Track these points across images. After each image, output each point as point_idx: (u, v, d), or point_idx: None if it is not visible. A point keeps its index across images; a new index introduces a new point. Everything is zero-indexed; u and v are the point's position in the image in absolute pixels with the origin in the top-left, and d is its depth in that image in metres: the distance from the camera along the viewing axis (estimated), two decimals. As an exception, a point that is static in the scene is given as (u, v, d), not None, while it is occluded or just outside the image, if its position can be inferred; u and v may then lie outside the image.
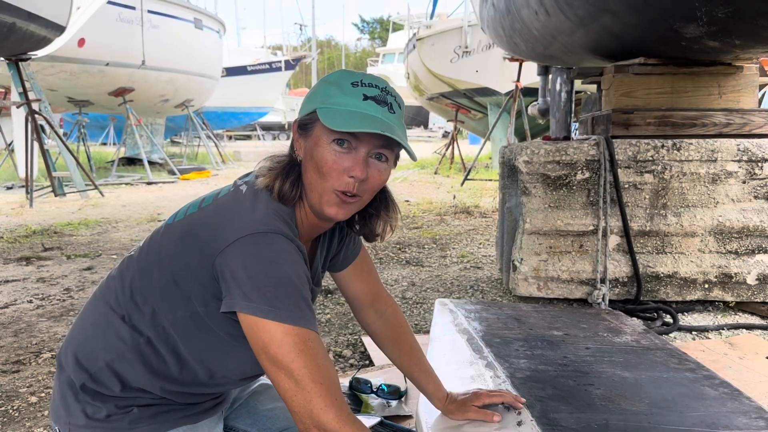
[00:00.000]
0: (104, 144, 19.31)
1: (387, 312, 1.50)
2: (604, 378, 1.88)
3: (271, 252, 1.06)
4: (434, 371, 1.52)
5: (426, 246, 4.92)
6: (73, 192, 8.54)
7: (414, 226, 5.82)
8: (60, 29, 7.18)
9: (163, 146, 15.87)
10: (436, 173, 11.79)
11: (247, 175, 1.24)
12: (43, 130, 8.07)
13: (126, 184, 10.64)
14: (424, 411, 1.59)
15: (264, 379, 1.53)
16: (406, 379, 1.65)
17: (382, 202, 1.27)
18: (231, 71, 21.51)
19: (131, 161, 13.75)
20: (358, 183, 1.10)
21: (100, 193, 8.52)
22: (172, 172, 12.00)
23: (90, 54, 10.71)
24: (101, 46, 10.86)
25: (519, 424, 1.55)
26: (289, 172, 1.16)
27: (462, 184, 9.40)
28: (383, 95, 1.11)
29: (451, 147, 13.03)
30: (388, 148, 1.12)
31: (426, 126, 38.99)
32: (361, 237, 1.36)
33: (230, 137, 29.96)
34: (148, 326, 1.17)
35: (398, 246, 4.88)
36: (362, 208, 1.19)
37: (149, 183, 10.63)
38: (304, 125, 1.14)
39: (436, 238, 5.25)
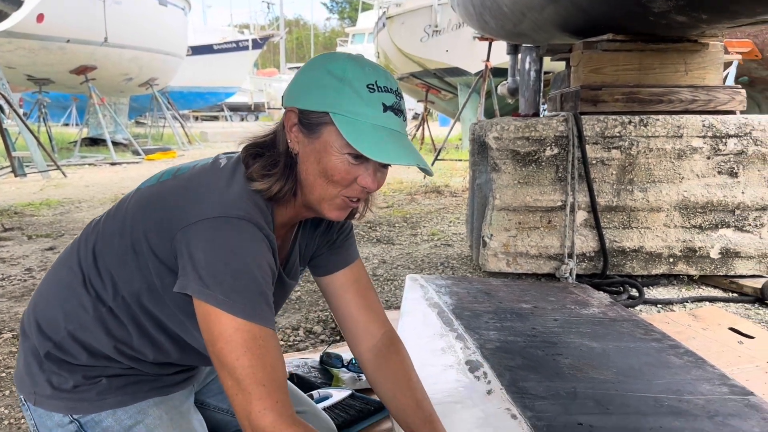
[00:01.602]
0: (66, 125, 18.83)
1: (383, 338, 1.29)
2: (572, 348, 1.90)
3: (235, 240, 1.00)
4: (437, 419, 1.22)
5: (397, 225, 4.91)
6: (34, 172, 8.32)
7: (385, 205, 5.81)
8: (17, 3, 6.93)
9: (127, 126, 15.55)
10: (406, 154, 11.76)
11: (232, 153, 1.17)
12: (2, 110, 7.82)
13: (89, 164, 10.40)
14: None
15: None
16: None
17: None
18: (197, 50, 21.11)
19: (95, 141, 13.43)
20: (366, 192, 1.08)
21: (63, 173, 8.31)
22: (136, 153, 11.77)
23: (50, 30, 10.38)
24: (61, 21, 10.53)
25: (488, 393, 1.57)
26: (288, 176, 1.08)
27: (432, 164, 9.40)
28: (398, 102, 1.06)
29: (421, 128, 13.02)
30: None
31: (396, 107, 38.78)
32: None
33: (197, 118, 29.48)
34: (110, 295, 1.13)
35: (369, 225, 4.87)
36: None
37: (113, 163, 10.41)
38: (310, 124, 1.05)
39: (406, 216, 5.25)
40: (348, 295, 1.30)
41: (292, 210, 1.13)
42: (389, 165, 1.11)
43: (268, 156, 1.09)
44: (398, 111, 1.05)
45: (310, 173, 1.07)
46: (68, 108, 17.89)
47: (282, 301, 1.29)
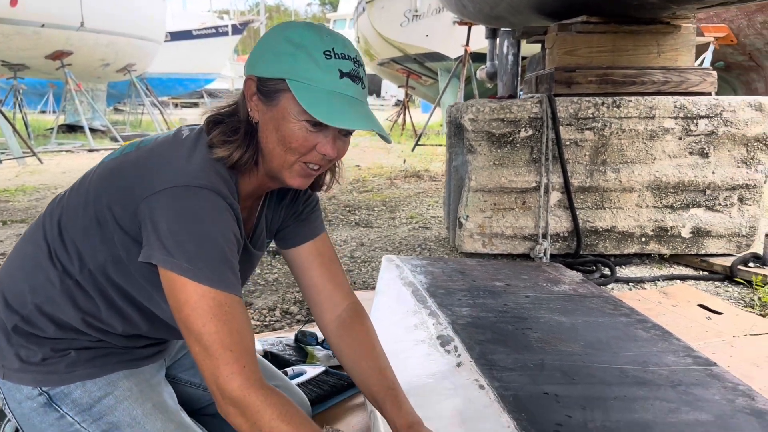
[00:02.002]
0: (43, 112, 18.53)
1: (348, 308, 1.30)
2: (542, 323, 1.94)
3: (198, 208, 1.01)
4: (399, 388, 1.22)
5: (376, 208, 4.93)
6: (10, 159, 8.19)
7: (364, 190, 5.82)
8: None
9: (105, 113, 15.34)
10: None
11: (195, 125, 1.18)
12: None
13: (66, 151, 10.26)
14: None
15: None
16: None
17: None
18: (175, 36, 20.84)
19: (72, 128, 13.24)
20: (327, 159, 1.08)
21: (39, 160, 8.20)
22: (114, 140, 11.63)
23: (24, 14, 10.18)
24: (36, 6, 10.34)
25: (458, 365, 1.60)
26: (249, 144, 1.09)
27: (413, 149, 9.43)
28: (356, 69, 1.06)
29: (402, 113, 13.01)
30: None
31: (378, 94, 38.74)
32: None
33: (176, 104, 29.11)
34: (76, 268, 1.13)
35: (348, 209, 4.88)
36: None
37: (91, 150, 10.28)
38: (268, 92, 1.05)
39: (385, 200, 5.27)
40: (313, 267, 1.31)
41: (255, 179, 1.14)
42: (350, 133, 1.12)
43: (228, 123, 1.10)
44: (356, 78, 1.06)
45: (270, 141, 1.08)
46: (45, 95, 17.60)
47: (248, 272, 1.30)
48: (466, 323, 1.90)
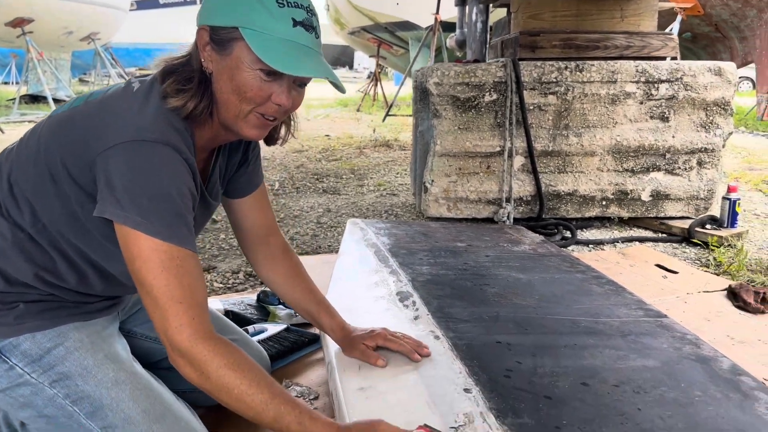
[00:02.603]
0: (6, 83, 17.98)
1: (279, 247, 1.44)
2: (500, 279, 1.97)
3: (152, 163, 1.01)
4: (328, 302, 1.45)
5: (344, 176, 4.92)
6: (-31, 129, 7.98)
7: (333, 159, 5.80)
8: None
9: (69, 83, 14.95)
10: (358, 110, 11.70)
11: (144, 77, 1.16)
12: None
13: (29, 122, 9.99)
14: None
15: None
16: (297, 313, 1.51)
17: None
18: (142, 5, 20.29)
19: (35, 99, 12.88)
20: (282, 109, 1.08)
21: (1, 130, 7.99)
22: (80, 110, 11.32)
23: (-19, -21, 9.83)
24: (-6, -29, 9.98)
25: (415, 318, 1.62)
26: (203, 93, 1.08)
27: (383, 119, 9.39)
28: (309, 18, 1.06)
29: (374, 84, 12.92)
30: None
31: (351, 66, 38.36)
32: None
33: (143, 76, 28.50)
34: (28, 223, 1.12)
35: (316, 176, 4.86)
36: None
37: (55, 121, 10.01)
38: (221, 41, 1.05)
39: (354, 169, 5.26)
40: (253, 214, 1.39)
41: (210, 131, 1.14)
42: (305, 84, 1.12)
43: (182, 72, 1.09)
44: (309, 27, 1.06)
45: (225, 91, 1.07)
46: (7, 65, 17.06)
47: (205, 221, 1.31)
48: (426, 280, 1.92)
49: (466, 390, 1.22)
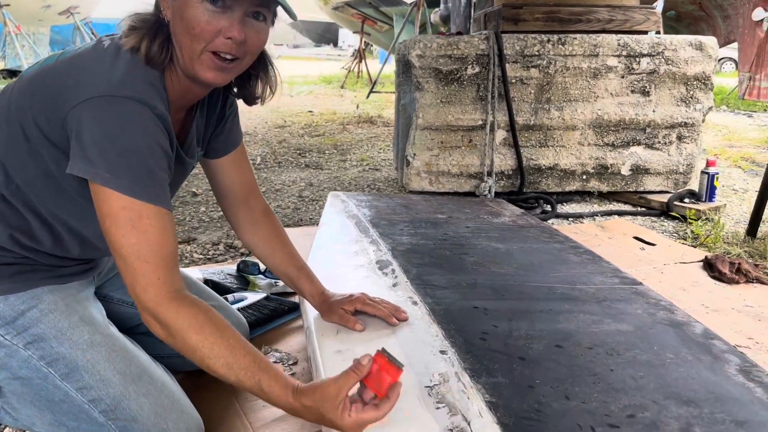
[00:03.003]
0: (-18, 57, 17.62)
1: (259, 209, 1.44)
2: (479, 249, 1.99)
3: (123, 119, 1.00)
4: (308, 267, 1.44)
5: (327, 151, 4.90)
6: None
7: (316, 134, 5.77)
8: None
9: (48, 58, 14.66)
10: (342, 87, 11.63)
11: (114, 34, 1.16)
12: None
13: (7, 96, 9.81)
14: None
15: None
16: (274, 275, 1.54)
17: (260, 63, 1.23)
18: (122, -22, 19.90)
19: (13, 74, 12.61)
20: (236, 45, 1.05)
21: (-23, 104, 7.84)
22: (59, 85, 11.15)
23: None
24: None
25: (394, 285, 1.63)
26: (156, 33, 1.07)
27: (367, 96, 9.34)
28: None
29: (358, 61, 12.81)
30: (266, 6, 1.07)
31: (336, 44, 37.99)
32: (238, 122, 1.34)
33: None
34: (2, 184, 1.11)
35: (298, 151, 4.84)
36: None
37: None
38: None
39: (337, 144, 5.24)
40: (233, 174, 1.38)
41: (179, 85, 1.12)
42: (262, 16, 1.08)
43: (138, 15, 1.09)
44: None
45: (178, 33, 1.06)
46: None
47: (181, 180, 1.31)
48: (405, 250, 1.93)
49: (442, 352, 1.24)
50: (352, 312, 1.36)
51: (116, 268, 1.45)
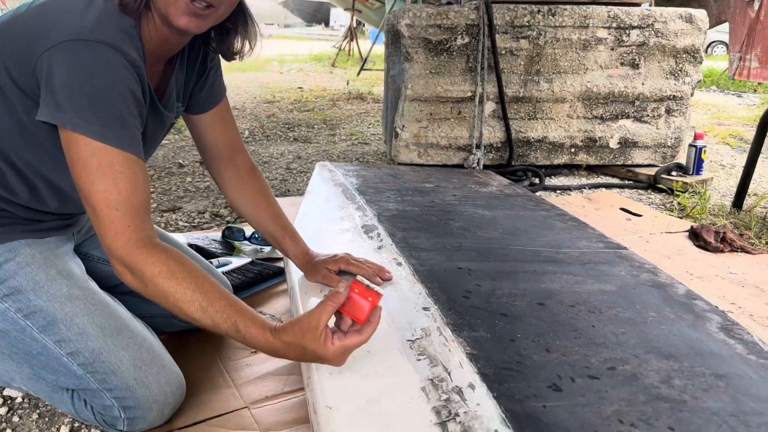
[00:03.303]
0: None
1: (245, 166, 1.42)
2: (465, 215, 1.98)
3: (94, 64, 0.97)
4: (294, 228, 1.44)
5: (316, 126, 4.87)
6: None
7: (305, 110, 5.72)
8: None
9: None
10: (333, 65, 11.53)
11: None
12: None
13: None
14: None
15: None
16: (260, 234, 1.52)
17: (239, 17, 1.20)
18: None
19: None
20: None
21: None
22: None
23: None
24: None
25: (379, 248, 1.62)
26: None
27: (358, 73, 9.27)
28: None
29: (349, 39, 12.70)
30: None
31: (327, 24, 37.65)
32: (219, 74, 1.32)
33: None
34: None
35: (287, 125, 4.80)
36: (218, 24, 1.13)
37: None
38: None
39: (326, 119, 5.20)
40: (216, 130, 1.36)
41: (156, 33, 1.10)
42: None
43: None
44: None
45: None
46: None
47: (159, 135, 1.28)
48: (391, 215, 1.92)
49: (425, 308, 1.23)
50: (336, 271, 1.36)
51: (97, 226, 1.44)
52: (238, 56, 1.25)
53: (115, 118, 0.99)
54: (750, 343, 1.22)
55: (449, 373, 0.99)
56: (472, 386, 0.96)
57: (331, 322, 0.98)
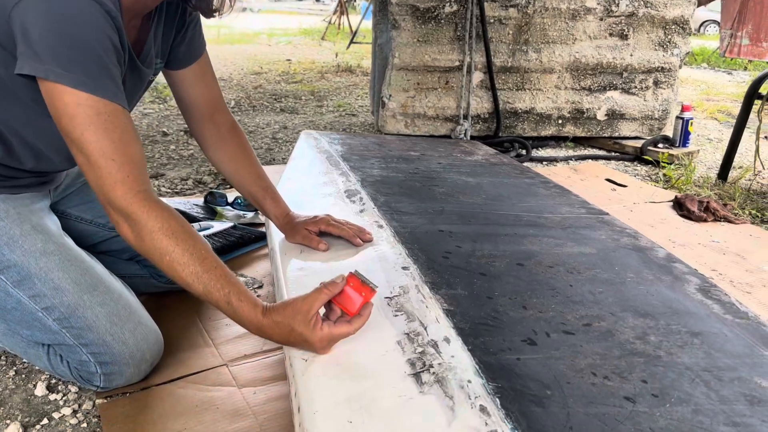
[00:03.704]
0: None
1: (226, 125, 1.39)
2: (449, 182, 1.97)
3: (71, 12, 0.95)
4: (275, 188, 1.42)
5: (303, 98, 4.83)
6: None
7: (293, 81, 5.67)
8: None
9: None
10: (323, 39, 11.41)
11: None
12: None
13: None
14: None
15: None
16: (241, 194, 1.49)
17: None
18: None
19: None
20: None
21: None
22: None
23: None
24: None
25: (361, 211, 1.61)
26: None
27: (348, 47, 9.18)
28: None
29: (339, 13, 12.55)
30: None
31: (317, -2, 37.14)
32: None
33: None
34: None
35: (274, 97, 4.76)
36: None
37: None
38: None
39: (314, 91, 5.15)
40: (197, 87, 1.33)
41: None
42: None
43: None
44: None
45: None
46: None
47: (138, 91, 1.25)
48: (375, 181, 1.91)
49: (404, 268, 1.23)
50: (316, 232, 1.35)
51: (74, 185, 1.42)
52: (217, 13, 1.22)
53: (98, 67, 0.96)
54: (727, 304, 1.23)
55: (425, 328, 0.99)
56: (447, 340, 0.96)
57: (322, 312, 0.97)
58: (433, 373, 0.87)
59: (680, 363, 0.97)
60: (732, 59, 8.44)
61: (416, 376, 0.87)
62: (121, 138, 0.97)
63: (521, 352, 0.95)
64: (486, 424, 0.77)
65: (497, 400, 0.82)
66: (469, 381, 0.85)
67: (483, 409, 0.80)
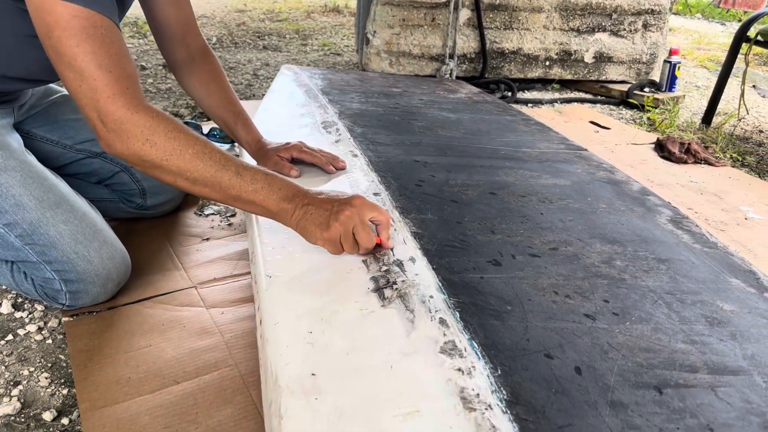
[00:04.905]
0: None
1: (198, 48, 1.36)
2: (429, 117, 1.95)
3: None
4: (247, 114, 1.40)
5: (287, 36, 4.71)
6: None
7: (277, 20, 5.52)
8: None
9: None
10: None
11: None
12: None
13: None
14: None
15: (65, 91, 1.43)
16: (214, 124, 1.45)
17: None
18: None
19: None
20: None
21: None
22: None
23: None
24: None
25: (336, 141, 1.59)
26: None
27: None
28: None
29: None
30: None
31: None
32: None
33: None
34: None
35: (257, 34, 4.64)
36: None
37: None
38: None
39: (299, 30, 5.03)
40: (168, 8, 1.29)
41: None
42: None
43: None
44: None
45: None
46: None
47: (124, 11, 1.20)
48: (353, 114, 1.88)
49: (375, 194, 1.22)
50: (288, 159, 1.33)
51: (40, 105, 1.38)
52: None
53: None
54: (697, 234, 1.24)
55: (391, 249, 0.99)
56: (412, 259, 0.95)
57: None
58: (396, 289, 0.87)
59: (644, 286, 0.98)
60: (727, 11, 8.32)
61: (379, 291, 0.87)
62: (117, 53, 0.93)
63: (485, 272, 0.95)
64: (444, 334, 0.77)
65: (457, 313, 0.82)
66: (431, 296, 0.85)
67: (442, 321, 0.80)
